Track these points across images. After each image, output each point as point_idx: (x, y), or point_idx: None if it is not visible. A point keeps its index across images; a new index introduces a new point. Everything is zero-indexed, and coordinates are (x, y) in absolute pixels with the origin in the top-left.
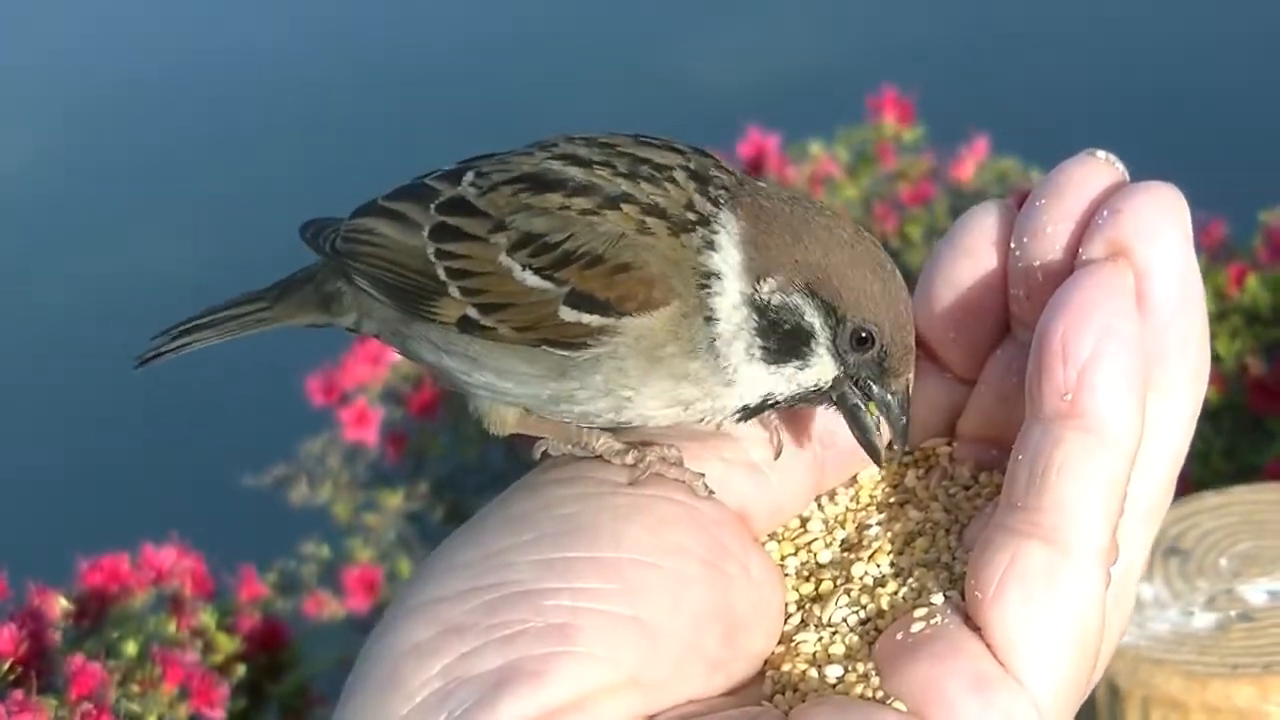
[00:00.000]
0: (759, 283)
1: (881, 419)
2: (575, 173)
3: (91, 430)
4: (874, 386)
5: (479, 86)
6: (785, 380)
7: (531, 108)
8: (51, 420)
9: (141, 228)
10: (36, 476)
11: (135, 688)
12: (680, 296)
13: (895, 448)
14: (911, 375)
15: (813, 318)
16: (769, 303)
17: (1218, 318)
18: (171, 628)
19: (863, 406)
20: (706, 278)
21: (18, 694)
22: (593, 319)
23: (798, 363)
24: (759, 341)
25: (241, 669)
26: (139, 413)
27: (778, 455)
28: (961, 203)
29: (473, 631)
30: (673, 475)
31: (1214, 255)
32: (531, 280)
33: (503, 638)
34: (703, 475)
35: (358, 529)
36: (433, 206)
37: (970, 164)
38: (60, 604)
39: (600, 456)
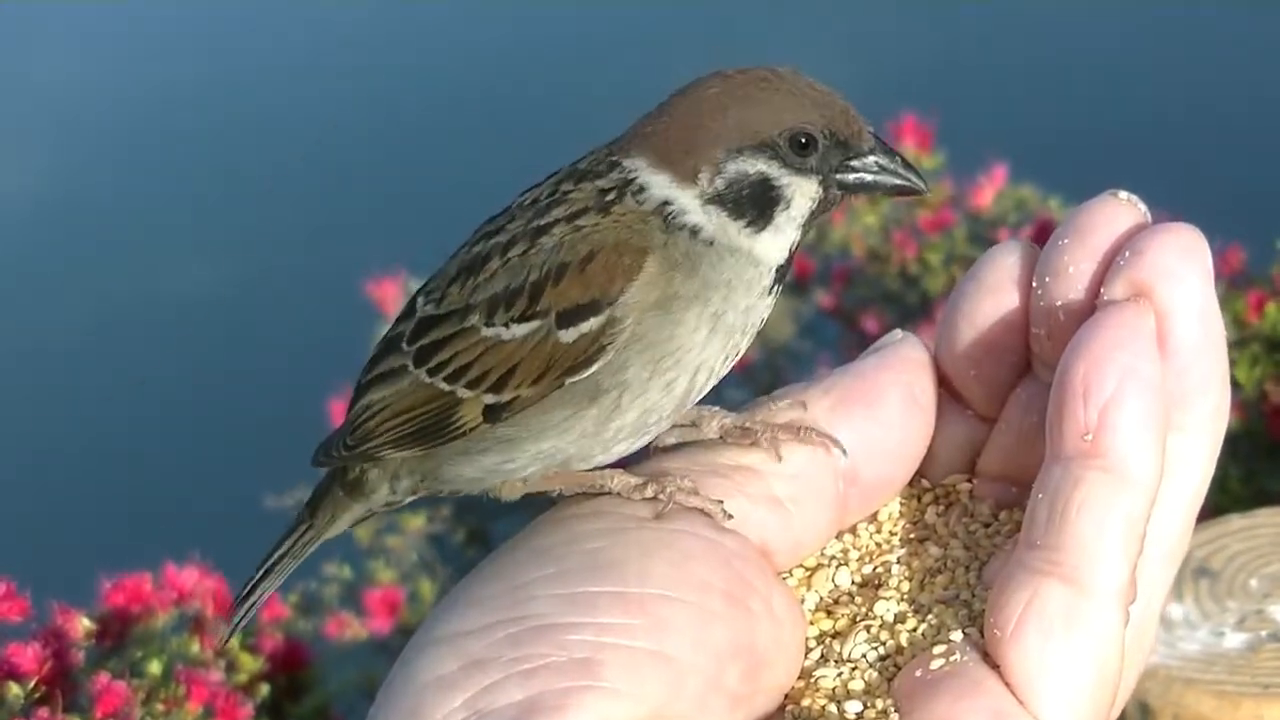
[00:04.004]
0: (697, 181)
1: (884, 178)
2: (498, 239)
3: (114, 451)
4: (854, 164)
5: (491, 99)
6: (789, 224)
7: (543, 123)
8: (74, 441)
9: (163, 247)
10: (59, 497)
11: (160, 706)
12: (652, 246)
13: (918, 182)
14: (870, 127)
15: (756, 166)
16: (719, 192)
17: (1237, 345)
18: (195, 647)
19: (865, 177)
20: (662, 213)
21: (43, 712)
22: (590, 322)
23: (783, 209)
24: (741, 221)
25: (265, 689)
26: (161, 434)
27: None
28: (980, 230)
29: (495, 665)
30: (694, 504)
31: (1233, 283)
32: (520, 330)
33: (525, 671)
34: (721, 501)
35: (379, 551)
36: (404, 344)
37: (989, 191)
38: (83, 624)
39: (618, 494)
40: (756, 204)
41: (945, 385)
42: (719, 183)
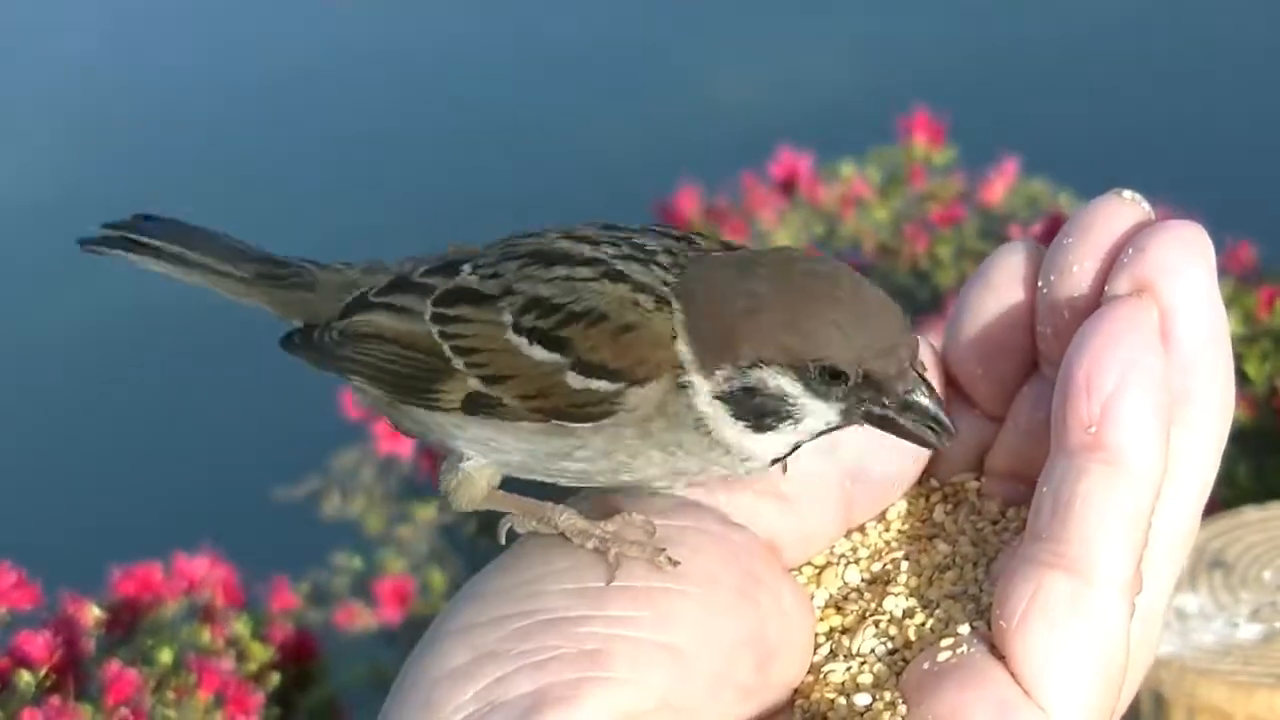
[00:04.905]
0: (712, 376)
1: (906, 421)
2: (584, 248)
3: (124, 441)
4: (884, 401)
5: (507, 110)
6: (790, 435)
7: (562, 132)
8: (85, 431)
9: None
10: (69, 487)
11: (171, 695)
12: (672, 367)
13: (942, 437)
14: (912, 366)
15: (777, 382)
16: (731, 392)
17: (1248, 341)
18: (205, 636)
19: (891, 416)
20: (680, 367)
21: (54, 700)
22: (601, 384)
23: (791, 423)
24: (743, 422)
25: (276, 678)
26: (172, 424)
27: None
28: (991, 224)
29: (506, 657)
30: (634, 554)
31: (1244, 279)
32: (539, 354)
33: (535, 663)
34: (664, 550)
35: (390, 541)
36: (429, 299)
37: (1000, 186)
38: (93, 613)
39: (563, 534)
40: (763, 416)
41: (952, 385)
42: (733, 385)
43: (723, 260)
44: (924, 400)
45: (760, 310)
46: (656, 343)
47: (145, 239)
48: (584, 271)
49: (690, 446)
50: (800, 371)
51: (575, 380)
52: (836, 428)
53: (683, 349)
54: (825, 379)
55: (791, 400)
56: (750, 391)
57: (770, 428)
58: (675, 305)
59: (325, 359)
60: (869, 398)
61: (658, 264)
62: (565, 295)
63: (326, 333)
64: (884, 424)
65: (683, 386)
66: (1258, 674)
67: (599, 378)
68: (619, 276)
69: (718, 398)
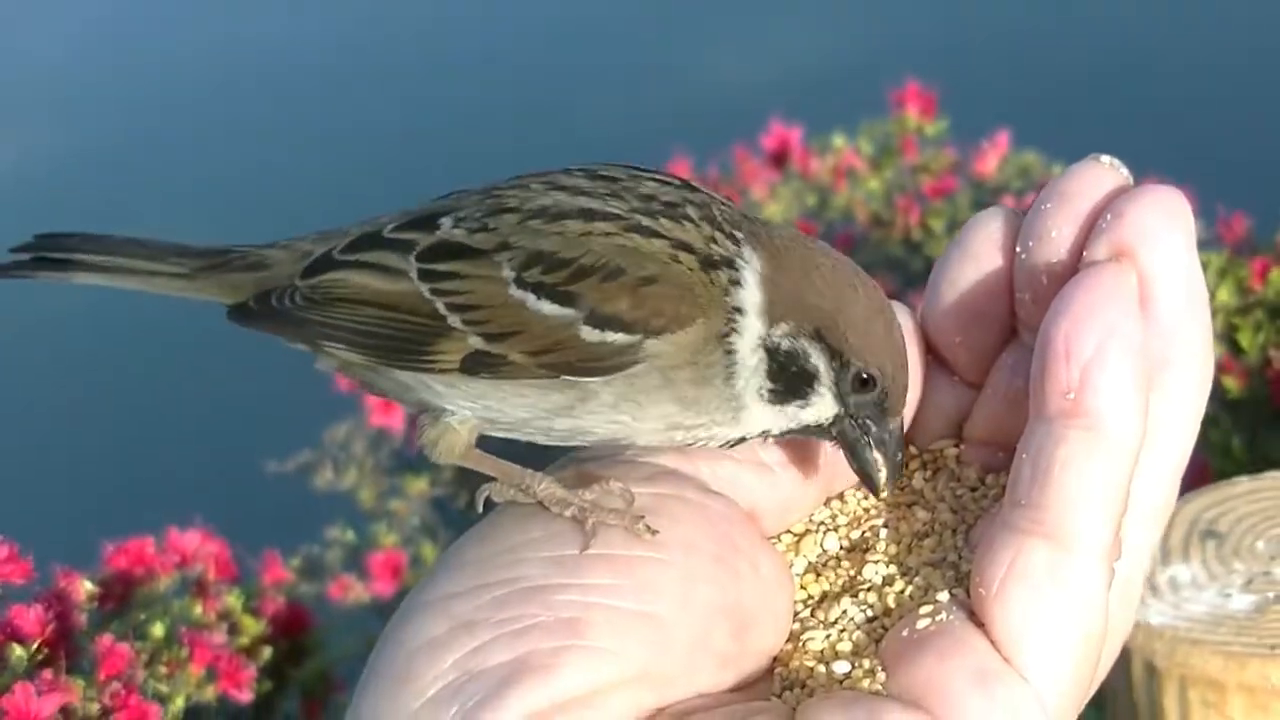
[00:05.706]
0: (773, 326)
1: (879, 454)
2: (588, 201)
3: (116, 415)
4: (872, 425)
5: (499, 83)
6: (786, 418)
7: (552, 104)
8: (77, 405)
9: (163, 218)
10: (62, 461)
11: (163, 669)
12: (706, 318)
13: (888, 482)
14: (905, 414)
15: (818, 361)
16: (779, 346)
17: (1241, 312)
18: (197, 610)
19: (863, 441)
20: (733, 313)
21: (46, 674)
22: (617, 337)
23: (799, 402)
24: (767, 383)
25: (268, 651)
26: (164, 398)
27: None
28: (983, 196)
29: (483, 626)
30: (612, 522)
31: (1237, 249)
32: (547, 308)
33: (513, 632)
34: (643, 518)
35: (382, 514)
36: (412, 256)
37: (992, 158)
38: (85, 587)
39: (541, 503)
40: (785, 384)
41: (931, 352)
42: (785, 342)
43: (791, 232)
44: (895, 444)
45: (839, 297)
46: (681, 295)
47: (60, 254)
48: (603, 226)
49: (707, 402)
50: (843, 364)
51: (590, 333)
52: (820, 428)
53: (752, 294)
54: (856, 381)
55: (816, 384)
56: (791, 356)
57: (780, 400)
58: (750, 252)
59: (287, 325)
60: (869, 413)
61: (689, 219)
62: (572, 249)
63: (288, 296)
64: (855, 442)
65: (726, 334)
66: (1250, 644)
67: (615, 330)
68: (651, 233)
69: (765, 347)
